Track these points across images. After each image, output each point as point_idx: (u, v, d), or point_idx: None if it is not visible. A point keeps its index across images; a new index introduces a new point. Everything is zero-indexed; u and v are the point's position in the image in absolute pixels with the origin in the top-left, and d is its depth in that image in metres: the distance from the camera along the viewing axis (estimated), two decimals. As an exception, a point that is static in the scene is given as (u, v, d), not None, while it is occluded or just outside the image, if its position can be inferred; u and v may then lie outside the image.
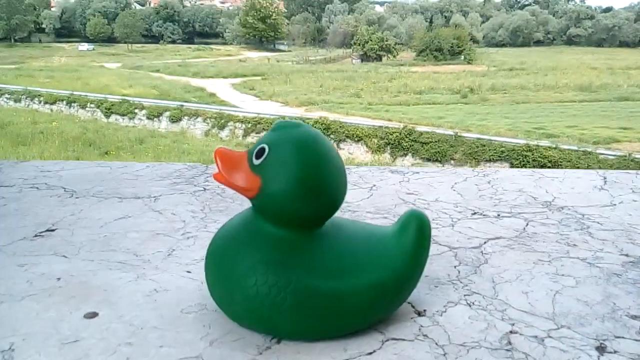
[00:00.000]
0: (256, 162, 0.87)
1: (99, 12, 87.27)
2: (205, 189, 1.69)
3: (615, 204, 1.63)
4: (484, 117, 22.85)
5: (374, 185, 1.77)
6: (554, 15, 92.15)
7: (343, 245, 0.93)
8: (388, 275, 0.92)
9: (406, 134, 17.48)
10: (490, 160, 15.96)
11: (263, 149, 0.87)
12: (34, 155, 14.54)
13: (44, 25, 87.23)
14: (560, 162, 14.90)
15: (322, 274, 0.88)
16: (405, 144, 17.36)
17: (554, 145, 15.46)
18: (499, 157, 15.84)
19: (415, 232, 0.96)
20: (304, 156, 0.85)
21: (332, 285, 0.88)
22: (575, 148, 15.26)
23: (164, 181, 1.76)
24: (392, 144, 17.64)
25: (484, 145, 16.27)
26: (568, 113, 24.46)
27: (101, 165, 1.95)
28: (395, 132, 17.73)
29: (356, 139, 18.42)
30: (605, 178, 1.90)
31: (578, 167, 14.57)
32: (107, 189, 1.67)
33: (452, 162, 16.47)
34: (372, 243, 0.95)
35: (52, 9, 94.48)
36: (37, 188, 1.67)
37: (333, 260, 0.90)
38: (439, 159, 16.62)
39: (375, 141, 18.09)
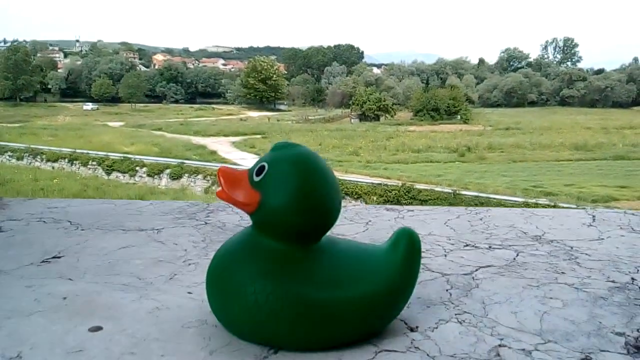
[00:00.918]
0: (256, 179, 0.93)
1: (105, 73, 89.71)
2: (206, 222, 1.75)
3: (603, 238, 1.68)
4: (482, 175, 23.04)
5: (370, 221, 1.82)
6: (546, 77, 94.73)
7: (338, 259, 0.98)
8: (381, 287, 0.97)
9: (405, 191, 17.61)
10: (488, 217, 16.00)
11: (263, 167, 0.93)
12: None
13: (49, 86, 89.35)
14: (559, 218, 14.93)
15: (318, 285, 0.93)
16: (404, 202, 17.43)
17: (552, 204, 15.54)
18: (498, 213, 15.92)
19: (406, 247, 1.01)
20: (300, 172, 0.92)
21: (327, 296, 0.92)
22: (574, 206, 15.33)
23: (166, 216, 1.82)
24: (391, 201, 17.70)
25: (483, 203, 16.32)
26: (565, 171, 24.67)
27: (106, 202, 2.02)
28: (394, 190, 17.87)
29: (355, 196, 18.52)
30: (594, 216, 1.96)
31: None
32: (112, 222, 1.73)
33: (450, 218, 16.49)
34: (365, 257, 1.01)
35: (59, 70, 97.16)
36: (44, 222, 1.72)
37: (328, 272, 0.95)
38: (438, 215, 16.69)
39: (375, 198, 18.18)
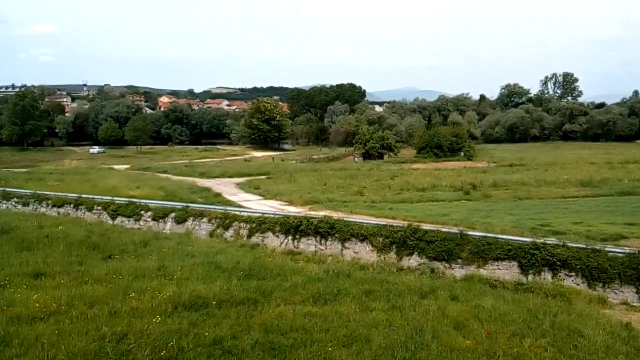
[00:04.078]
0: None
1: (111, 116, 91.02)
2: None
3: None
4: (488, 214, 22.81)
5: None
6: (547, 112, 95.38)
7: None
8: None
9: (411, 232, 17.38)
10: (497, 259, 15.74)
11: None
12: (37, 262, 14.35)
13: (57, 130, 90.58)
14: (570, 260, 14.68)
15: None
16: (410, 243, 17.21)
17: (561, 243, 15.28)
18: (507, 255, 15.63)
19: None
20: None
21: None
22: (584, 246, 15.06)
23: None
24: (398, 243, 17.49)
25: (490, 244, 16.10)
26: (572, 209, 24.44)
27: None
28: (400, 231, 17.64)
29: (361, 238, 18.32)
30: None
31: (589, 265, 14.35)
32: None
33: (459, 261, 16.25)
34: None
35: (67, 114, 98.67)
36: None
37: None
38: (446, 257, 16.41)
39: (381, 240, 17.95)
